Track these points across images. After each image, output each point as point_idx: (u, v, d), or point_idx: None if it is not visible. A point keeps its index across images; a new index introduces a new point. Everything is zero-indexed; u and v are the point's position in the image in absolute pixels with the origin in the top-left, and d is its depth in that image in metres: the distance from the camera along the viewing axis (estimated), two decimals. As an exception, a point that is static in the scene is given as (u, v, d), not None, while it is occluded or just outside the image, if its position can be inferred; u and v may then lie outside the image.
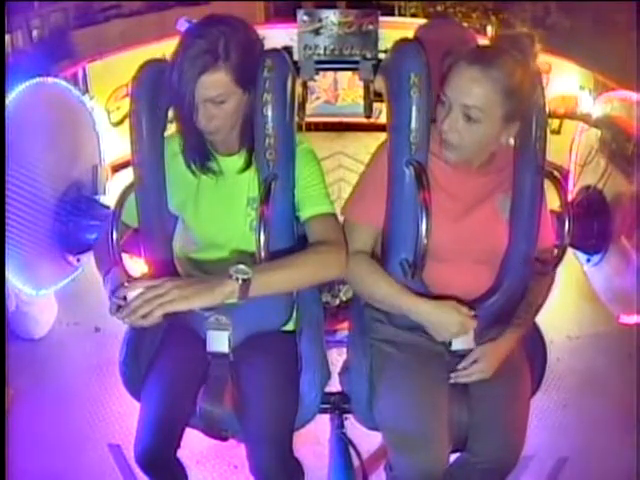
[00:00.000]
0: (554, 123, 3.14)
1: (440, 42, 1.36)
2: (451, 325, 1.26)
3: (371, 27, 1.97)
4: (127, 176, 1.39)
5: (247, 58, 1.20)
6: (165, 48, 1.88)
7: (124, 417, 1.99)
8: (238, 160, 1.31)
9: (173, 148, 1.33)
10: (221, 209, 1.33)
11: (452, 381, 1.33)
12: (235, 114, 1.24)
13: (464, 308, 1.27)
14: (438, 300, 1.27)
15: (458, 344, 1.32)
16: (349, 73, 2.74)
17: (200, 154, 1.30)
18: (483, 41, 1.40)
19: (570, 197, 2.30)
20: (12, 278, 1.91)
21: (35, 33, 4.33)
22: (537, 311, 1.42)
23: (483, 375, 1.32)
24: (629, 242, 2.06)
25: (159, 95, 1.27)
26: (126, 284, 1.11)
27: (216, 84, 1.18)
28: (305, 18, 1.99)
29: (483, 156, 1.30)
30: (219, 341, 1.34)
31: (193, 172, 1.31)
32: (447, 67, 1.24)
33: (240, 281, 1.08)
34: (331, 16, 1.98)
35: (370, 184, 1.36)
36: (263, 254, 1.23)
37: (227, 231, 1.34)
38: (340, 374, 1.50)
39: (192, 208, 1.34)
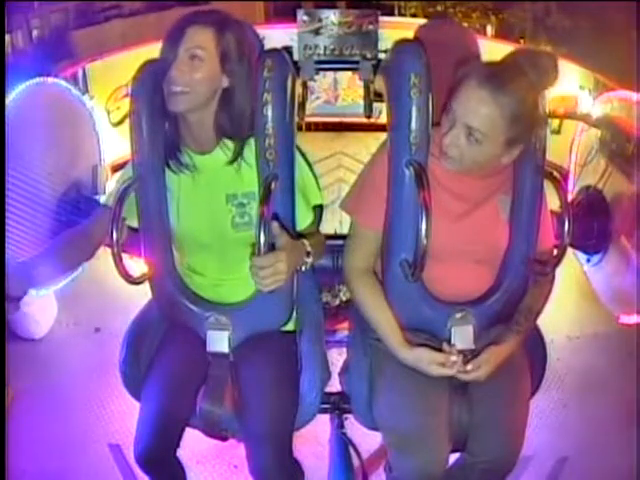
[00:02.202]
0: (554, 123, 3.14)
1: (440, 42, 1.37)
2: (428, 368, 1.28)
3: (371, 27, 1.97)
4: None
5: (239, 46, 1.25)
6: (165, 48, 1.87)
7: (124, 417, 1.99)
8: (215, 158, 1.30)
9: None
10: (199, 207, 1.33)
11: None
12: (207, 85, 1.24)
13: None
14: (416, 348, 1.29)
15: (458, 344, 1.32)
16: (349, 73, 2.74)
17: (175, 150, 1.31)
18: (483, 40, 1.39)
19: (570, 197, 2.31)
20: (12, 278, 1.91)
21: (35, 33, 4.31)
22: (537, 316, 1.41)
23: (477, 377, 1.30)
24: (629, 242, 2.06)
25: (159, 95, 1.26)
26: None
27: (199, 36, 1.22)
28: (305, 18, 1.99)
29: (483, 169, 1.29)
30: (219, 341, 1.34)
31: (173, 170, 1.31)
32: (458, 78, 1.21)
33: None
34: (331, 16, 1.98)
35: (374, 186, 1.34)
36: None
37: (208, 230, 1.33)
38: (340, 374, 1.50)
39: (174, 207, 1.33)
